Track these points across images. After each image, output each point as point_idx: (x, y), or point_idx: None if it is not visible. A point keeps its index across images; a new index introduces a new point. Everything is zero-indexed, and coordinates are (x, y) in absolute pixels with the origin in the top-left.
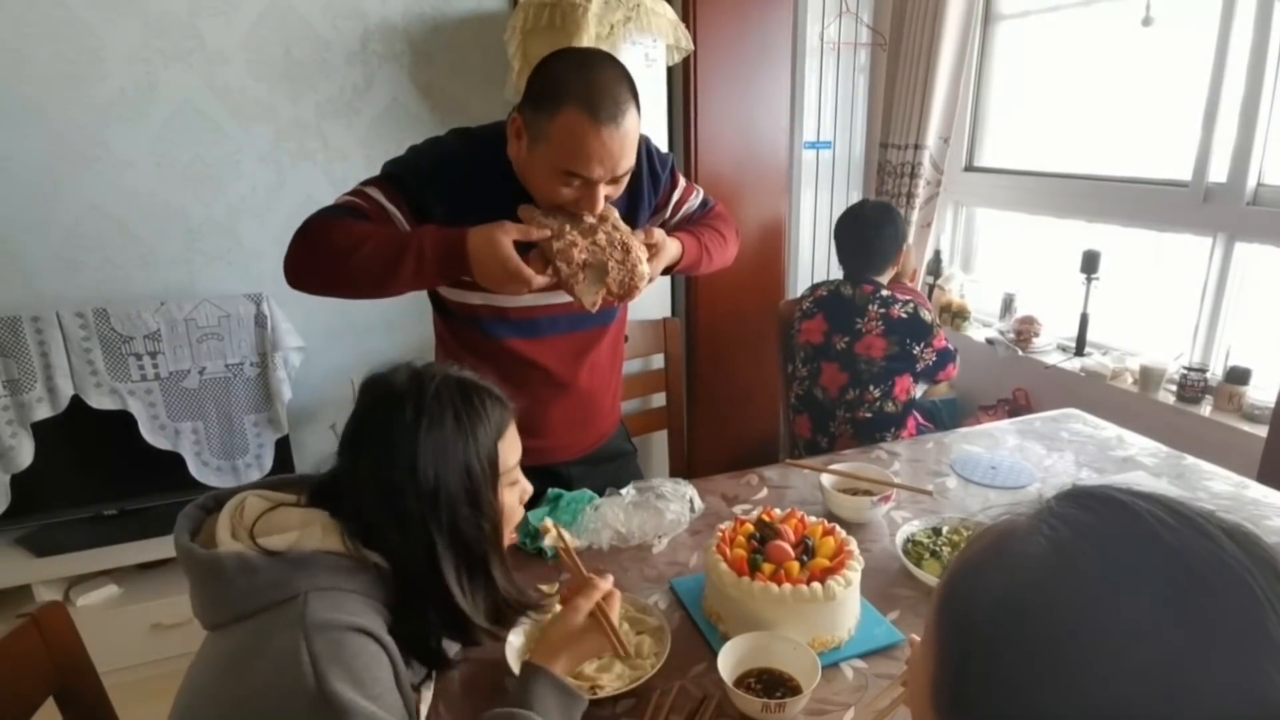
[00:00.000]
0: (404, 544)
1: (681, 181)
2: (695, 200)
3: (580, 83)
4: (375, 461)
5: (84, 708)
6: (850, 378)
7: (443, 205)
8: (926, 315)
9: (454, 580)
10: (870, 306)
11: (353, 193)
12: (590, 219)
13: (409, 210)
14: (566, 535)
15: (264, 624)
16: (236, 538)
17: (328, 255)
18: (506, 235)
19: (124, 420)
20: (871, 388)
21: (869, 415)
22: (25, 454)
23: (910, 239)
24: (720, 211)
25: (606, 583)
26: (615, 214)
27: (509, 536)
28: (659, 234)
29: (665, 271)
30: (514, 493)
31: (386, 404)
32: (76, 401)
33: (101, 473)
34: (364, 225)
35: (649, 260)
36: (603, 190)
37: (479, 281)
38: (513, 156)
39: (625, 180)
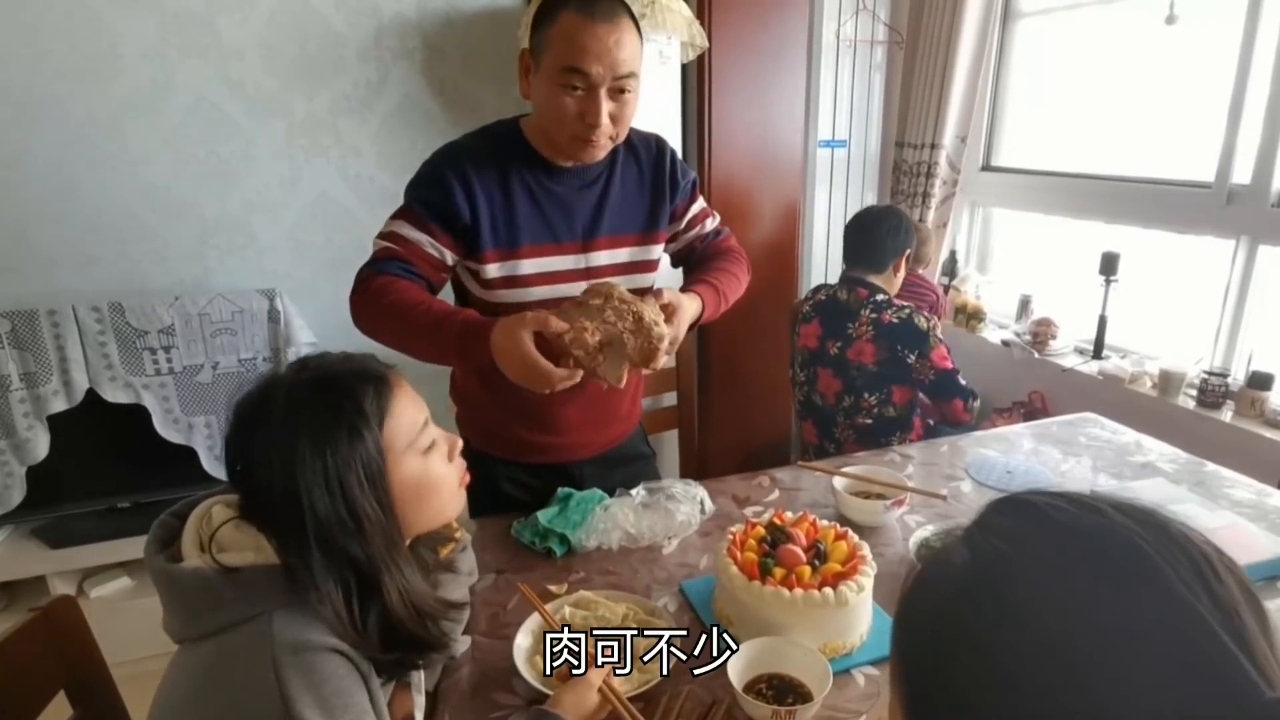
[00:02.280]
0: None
1: (700, 200)
2: (709, 225)
3: None
4: (248, 494)
5: (94, 701)
6: (844, 384)
7: (463, 189)
8: (922, 322)
9: (344, 604)
10: (863, 311)
11: (387, 236)
12: (595, 300)
13: (439, 227)
14: (615, 683)
15: (229, 643)
16: (203, 549)
17: (383, 325)
18: (527, 330)
19: (138, 414)
20: (866, 394)
21: (869, 421)
22: (41, 446)
23: (930, 223)
24: (733, 245)
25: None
26: (620, 288)
27: (451, 507)
28: (670, 295)
29: (690, 327)
30: (433, 459)
31: (239, 432)
32: (91, 395)
33: (116, 466)
34: (408, 295)
35: (668, 321)
36: (605, 102)
37: (502, 371)
38: (523, 95)
39: (631, 103)
